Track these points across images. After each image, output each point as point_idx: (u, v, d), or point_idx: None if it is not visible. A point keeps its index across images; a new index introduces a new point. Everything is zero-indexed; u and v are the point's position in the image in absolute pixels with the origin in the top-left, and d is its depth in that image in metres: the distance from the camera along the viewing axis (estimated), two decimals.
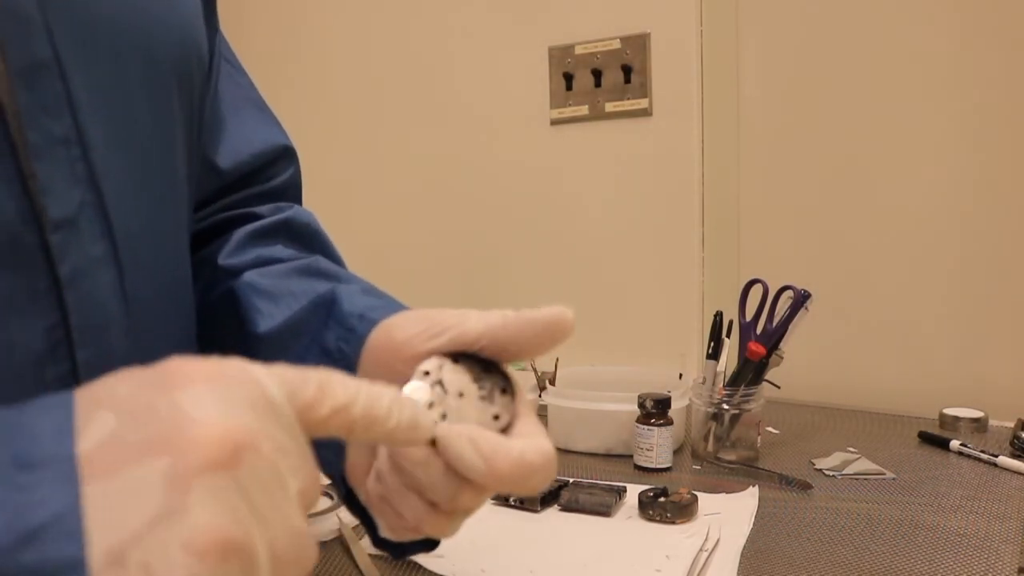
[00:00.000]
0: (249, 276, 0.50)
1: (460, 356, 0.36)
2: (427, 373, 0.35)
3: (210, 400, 0.25)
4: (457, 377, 0.35)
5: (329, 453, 0.39)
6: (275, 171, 0.58)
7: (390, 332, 0.39)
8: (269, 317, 0.47)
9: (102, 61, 0.38)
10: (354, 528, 0.72)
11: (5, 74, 0.33)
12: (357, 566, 0.66)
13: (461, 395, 0.34)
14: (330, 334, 0.43)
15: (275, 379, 0.27)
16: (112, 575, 0.22)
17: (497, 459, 0.31)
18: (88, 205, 0.37)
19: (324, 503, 0.75)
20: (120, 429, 0.24)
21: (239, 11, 1.62)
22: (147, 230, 0.42)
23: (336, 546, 0.70)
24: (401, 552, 0.45)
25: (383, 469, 0.36)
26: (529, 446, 0.32)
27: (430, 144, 1.49)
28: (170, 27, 0.44)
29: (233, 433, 0.24)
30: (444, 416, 0.33)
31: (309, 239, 0.55)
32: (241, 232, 0.53)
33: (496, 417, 0.34)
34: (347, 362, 0.41)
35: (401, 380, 0.35)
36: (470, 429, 0.32)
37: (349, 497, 0.44)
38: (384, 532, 0.37)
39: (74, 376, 0.35)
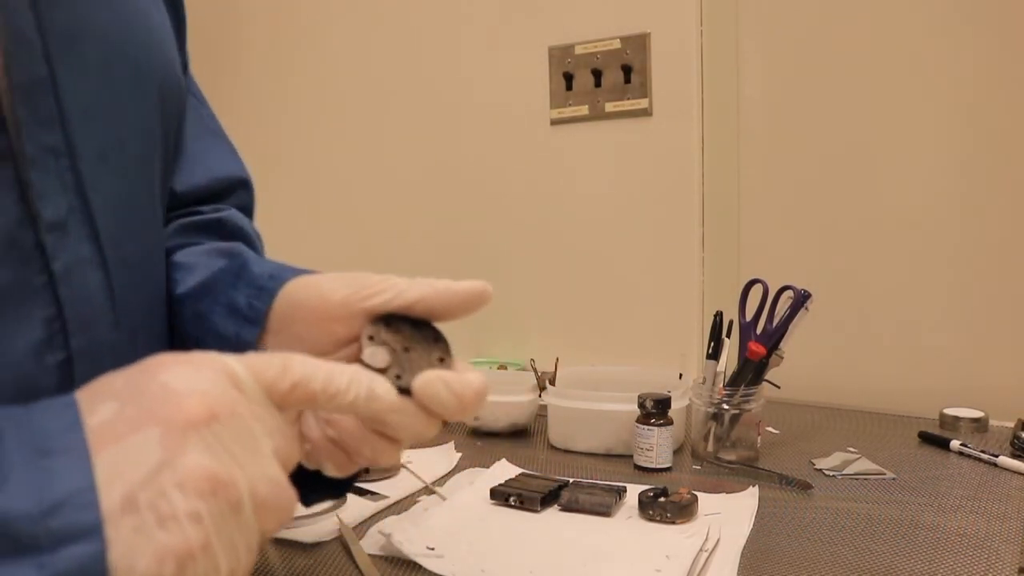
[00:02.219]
0: (173, 256, 0.53)
1: (388, 318, 0.41)
2: (371, 338, 0.40)
3: (189, 377, 0.31)
4: (398, 336, 0.40)
5: None
6: (229, 201, 0.61)
7: (322, 293, 0.43)
8: (182, 284, 0.51)
9: (92, 78, 0.42)
10: (354, 528, 0.72)
11: (8, 89, 0.37)
12: (357, 566, 0.66)
13: (407, 350, 0.40)
14: (239, 294, 0.47)
15: (241, 362, 0.33)
16: (127, 518, 0.27)
17: (466, 393, 0.37)
18: (76, 211, 0.40)
19: (323, 504, 0.75)
20: (121, 409, 0.30)
21: (238, 14, 1.62)
22: (131, 235, 0.45)
23: (336, 546, 0.70)
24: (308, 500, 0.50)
25: (337, 415, 0.40)
26: (478, 377, 0.38)
27: (430, 144, 1.49)
28: (152, 45, 0.47)
29: (209, 399, 0.30)
30: (400, 375, 0.38)
31: (236, 238, 0.58)
32: (176, 224, 0.56)
33: (441, 360, 0.40)
34: (257, 319, 0.45)
35: (337, 339, 0.42)
36: (439, 373, 0.37)
37: None
38: (329, 472, 0.41)
39: (69, 363, 0.40)
